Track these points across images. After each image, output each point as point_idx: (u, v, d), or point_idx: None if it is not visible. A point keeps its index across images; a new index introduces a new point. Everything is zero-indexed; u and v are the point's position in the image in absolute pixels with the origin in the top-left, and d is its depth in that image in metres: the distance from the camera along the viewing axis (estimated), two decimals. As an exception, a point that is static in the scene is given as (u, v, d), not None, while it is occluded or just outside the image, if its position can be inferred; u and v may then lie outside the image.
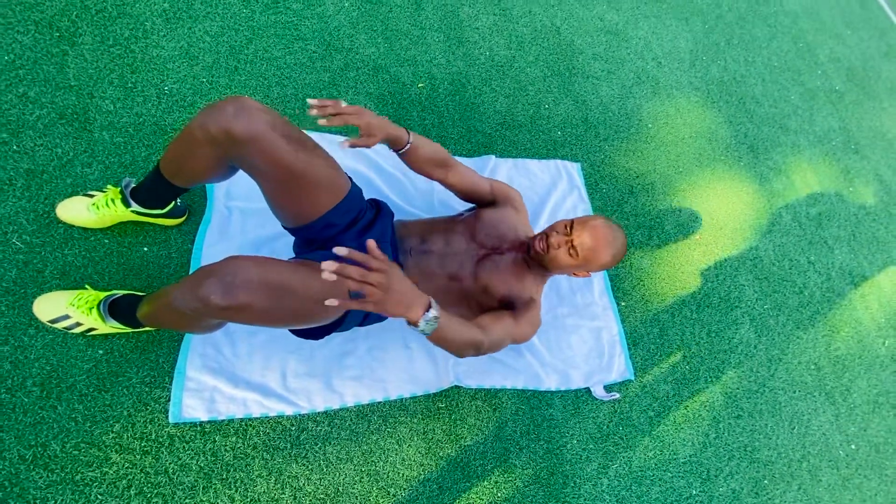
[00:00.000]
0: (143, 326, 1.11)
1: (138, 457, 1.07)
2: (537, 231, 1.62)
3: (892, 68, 3.43)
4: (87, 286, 1.12)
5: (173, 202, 1.23)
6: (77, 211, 1.18)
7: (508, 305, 1.25)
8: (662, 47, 2.49)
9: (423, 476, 1.27)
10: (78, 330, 1.08)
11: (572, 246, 1.17)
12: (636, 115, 2.20)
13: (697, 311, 1.85)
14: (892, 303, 2.29)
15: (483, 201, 1.35)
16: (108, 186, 1.20)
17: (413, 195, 1.59)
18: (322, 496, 1.16)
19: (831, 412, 1.88)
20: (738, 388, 1.76)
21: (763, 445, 1.70)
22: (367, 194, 1.46)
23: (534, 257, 1.25)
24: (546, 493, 1.36)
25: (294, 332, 1.13)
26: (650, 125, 2.21)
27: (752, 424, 1.72)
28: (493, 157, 1.77)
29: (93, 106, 1.36)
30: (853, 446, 1.85)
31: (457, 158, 1.69)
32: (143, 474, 1.06)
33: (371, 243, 0.77)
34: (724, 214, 2.13)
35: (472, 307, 1.24)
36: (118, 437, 1.08)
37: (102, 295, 1.09)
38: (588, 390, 1.53)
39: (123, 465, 1.06)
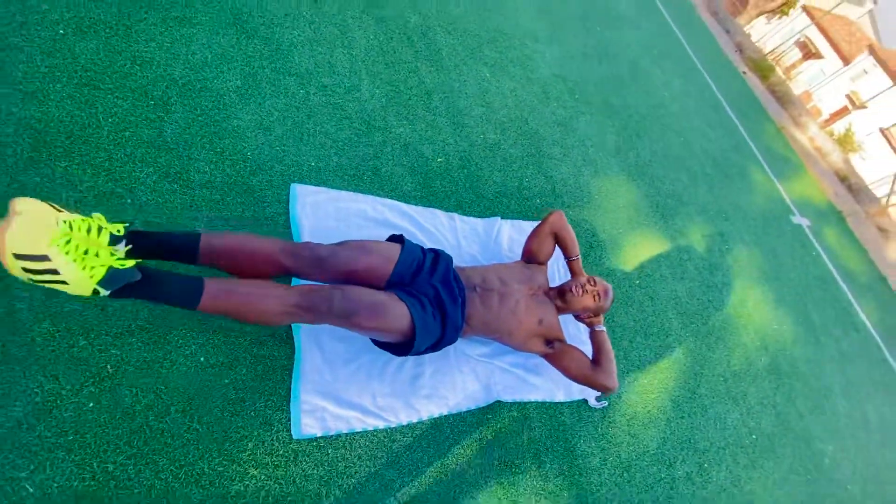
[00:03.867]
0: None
1: (271, 470, 1.23)
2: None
3: (738, 158, 4.66)
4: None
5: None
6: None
7: (548, 335, 1.69)
8: (596, 137, 3.22)
9: (481, 473, 1.55)
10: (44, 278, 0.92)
11: (598, 294, 1.73)
12: (586, 189, 2.83)
13: (646, 339, 2.40)
14: (760, 330, 3.11)
15: (541, 262, 1.87)
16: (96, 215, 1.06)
17: (446, 247, 1.95)
18: (415, 493, 1.40)
19: (738, 412, 2.52)
20: (679, 396, 2.31)
21: (700, 438, 2.24)
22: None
23: (567, 299, 1.72)
24: (569, 482, 1.71)
25: (388, 349, 1.43)
26: (596, 196, 2.85)
27: (691, 423, 2.27)
28: (499, 218, 2.21)
29: (191, 167, 1.54)
30: (754, 436, 2.48)
31: (471, 218, 2.12)
32: (277, 485, 1.22)
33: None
34: (652, 265, 2.79)
35: (530, 331, 1.64)
36: (252, 453, 1.23)
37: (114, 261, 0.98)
38: (585, 401, 1.95)
39: (261, 478, 1.21)
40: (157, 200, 1.43)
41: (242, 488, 1.18)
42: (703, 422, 2.32)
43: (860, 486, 2.83)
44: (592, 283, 1.78)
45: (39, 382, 1.09)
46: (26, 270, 0.89)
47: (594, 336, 1.76)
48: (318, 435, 1.32)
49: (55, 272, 0.91)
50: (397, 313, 1.32)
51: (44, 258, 0.88)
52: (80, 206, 1.31)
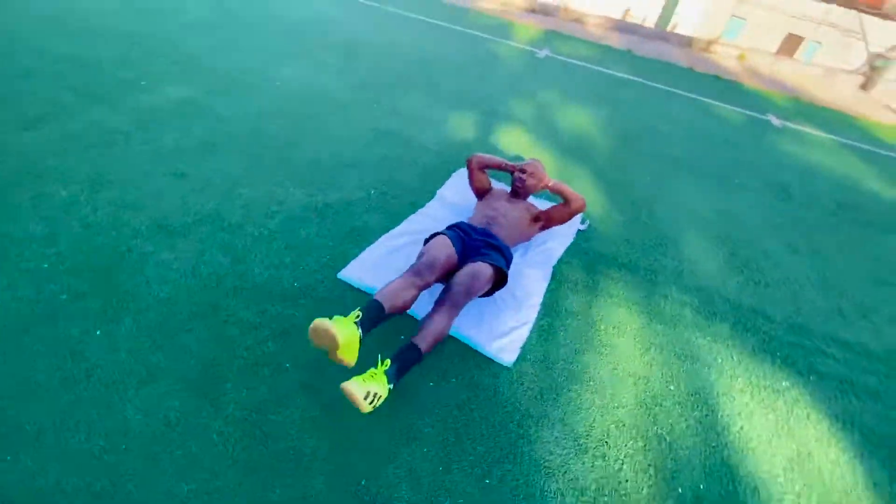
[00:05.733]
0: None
1: (519, 385, 1.78)
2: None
3: (475, 49, 5.81)
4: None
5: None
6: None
7: (534, 215, 2.41)
8: (391, 96, 3.94)
9: (587, 302, 2.27)
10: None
11: (530, 173, 2.42)
12: (428, 124, 3.57)
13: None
14: (599, 124, 4.30)
15: (488, 189, 2.54)
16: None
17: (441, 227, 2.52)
18: (572, 334, 2.07)
19: (641, 165, 3.63)
20: (605, 167, 3.29)
21: (664, 185, 3.27)
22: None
23: (519, 189, 2.44)
24: (625, 271, 2.53)
25: (487, 294, 2.04)
26: (434, 125, 3.61)
27: (635, 177, 3.28)
28: (437, 191, 2.83)
29: (284, 323, 1.86)
30: (671, 161, 3.63)
31: (429, 204, 2.70)
32: (529, 390, 1.78)
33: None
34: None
35: (526, 221, 2.34)
36: (502, 395, 1.76)
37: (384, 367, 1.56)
38: (580, 230, 2.76)
39: (518, 394, 1.76)
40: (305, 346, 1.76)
41: (512, 408, 1.72)
42: (637, 172, 3.35)
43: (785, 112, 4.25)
44: (521, 171, 2.49)
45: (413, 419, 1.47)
46: (370, 403, 1.44)
47: (553, 189, 2.51)
48: (516, 358, 1.89)
49: (378, 394, 1.46)
50: (483, 268, 1.91)
51: (371, 392, 1.45)
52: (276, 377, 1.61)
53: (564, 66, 5.86)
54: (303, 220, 2.41)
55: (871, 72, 8.01)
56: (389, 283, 1.74)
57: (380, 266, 2.18)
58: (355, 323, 1.54)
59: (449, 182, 2.96)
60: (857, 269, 2.99)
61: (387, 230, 2.46)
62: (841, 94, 7.16)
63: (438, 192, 2.84)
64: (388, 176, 2.93)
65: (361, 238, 2.39)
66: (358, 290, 2.07)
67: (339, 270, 2.14)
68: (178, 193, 2.43)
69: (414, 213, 2.63)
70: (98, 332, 1.69)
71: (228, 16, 5.39)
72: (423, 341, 1.62)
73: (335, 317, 1.52)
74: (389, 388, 1.50)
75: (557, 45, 6.71)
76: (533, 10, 8.93)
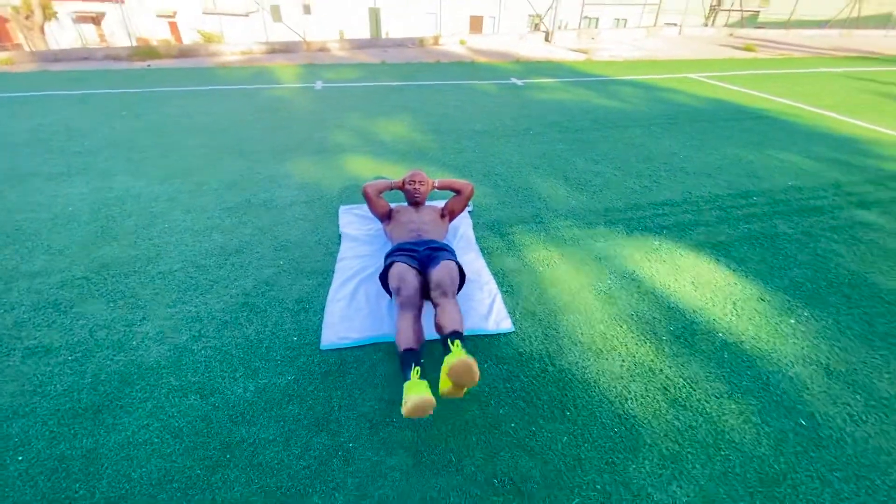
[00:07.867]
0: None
1: (531, 340, 2.05)
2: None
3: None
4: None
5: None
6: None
7: (441, 213, 2.66)
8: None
9: (524, 262, 2.65)
10: None
11: (419, 181, 2.65)
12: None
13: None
14: (491, 154, 4.70)
15: (389, 210, 2.65)
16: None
17: (377, 258, 2.54)
18: (528, 294, 2.43)
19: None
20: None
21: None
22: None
23: (417, 197, 2.65)
24: (531, 233, 2.98)
25: (460, 287, 2.22)
26: (345, 150, 3.54)
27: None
28: (339, 230, 2.80)
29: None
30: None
31: (342, 247, 2.70)
32: (534, 347, 2.06)
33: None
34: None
35: (438, 220, 2.57)
36: (515, 357, 2.00)
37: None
38: (469, 212, 3.12)
39: (531, 341, 2.03)
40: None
41: (538, 357, 1.99)
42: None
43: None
44: (412, 182, 2.70)
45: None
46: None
47: (441, 186, 2.78)
48: (511, 322, 2.14)
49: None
50: (448, 263, 2.08)
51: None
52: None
53: (345, 90, 6.12)
54: (238, 322, 2.13)
55: (541, 28, 10.57)
56: (399, 330, 1.77)
57: (349, 318, 2.12)
58: (420, 378, 1.59)
59: (342, 221, 2.95)
60: (632, 156, 4.14)
61: (325, 286, 2.37)
62: (538, 49, 9.28)
63: (341, 233, 2.82)
64: (280, 243, 2.75)
65: (311, 301, 2.25)
66: (351, 347, 2.00)
67: (316, 343, 2.01)
68: (62, 371, 1.85)
69: (335, 261, 2.57)
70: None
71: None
72: (456, 324, 1.75)
73: (408, 385, 1.56)
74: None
75: (324, 75, 6.91)
76: (274, 51, 8.87)
